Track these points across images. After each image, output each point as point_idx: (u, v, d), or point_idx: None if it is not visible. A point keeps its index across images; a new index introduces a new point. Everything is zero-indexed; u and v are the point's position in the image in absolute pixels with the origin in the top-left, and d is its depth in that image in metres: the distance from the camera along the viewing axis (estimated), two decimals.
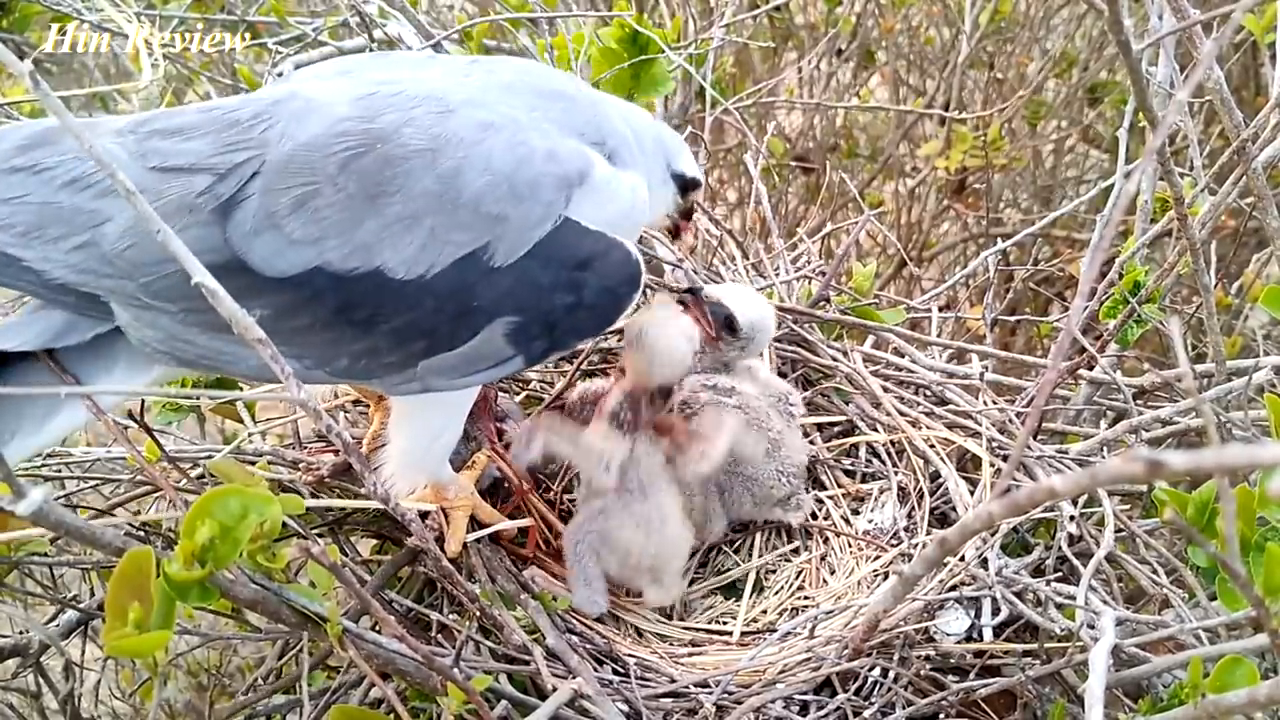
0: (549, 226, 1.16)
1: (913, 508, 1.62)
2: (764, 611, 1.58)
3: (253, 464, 1.47)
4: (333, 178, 1.09)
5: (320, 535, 1.46)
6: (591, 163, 1.22)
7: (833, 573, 1.61)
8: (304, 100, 1.15)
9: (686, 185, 1.45)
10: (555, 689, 1.20)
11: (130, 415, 1.42)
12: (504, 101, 1.21)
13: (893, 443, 1.71)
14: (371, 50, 2.20)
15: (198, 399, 1.56)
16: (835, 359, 1.79)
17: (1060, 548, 1.37)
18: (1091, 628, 1.21)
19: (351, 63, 1.30)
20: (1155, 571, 1.37)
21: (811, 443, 1.73)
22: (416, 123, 1.14)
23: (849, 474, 1.74)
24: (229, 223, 1.08)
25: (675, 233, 1.54)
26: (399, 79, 1.20)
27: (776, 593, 1.61)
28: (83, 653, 1.72)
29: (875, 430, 1.73)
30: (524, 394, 1.83)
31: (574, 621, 1.44)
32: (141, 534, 1.40)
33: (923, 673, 1.32)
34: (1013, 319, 2.36)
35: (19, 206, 1.08)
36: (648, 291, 1.86)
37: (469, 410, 1.36)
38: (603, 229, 1.21)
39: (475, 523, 1.43)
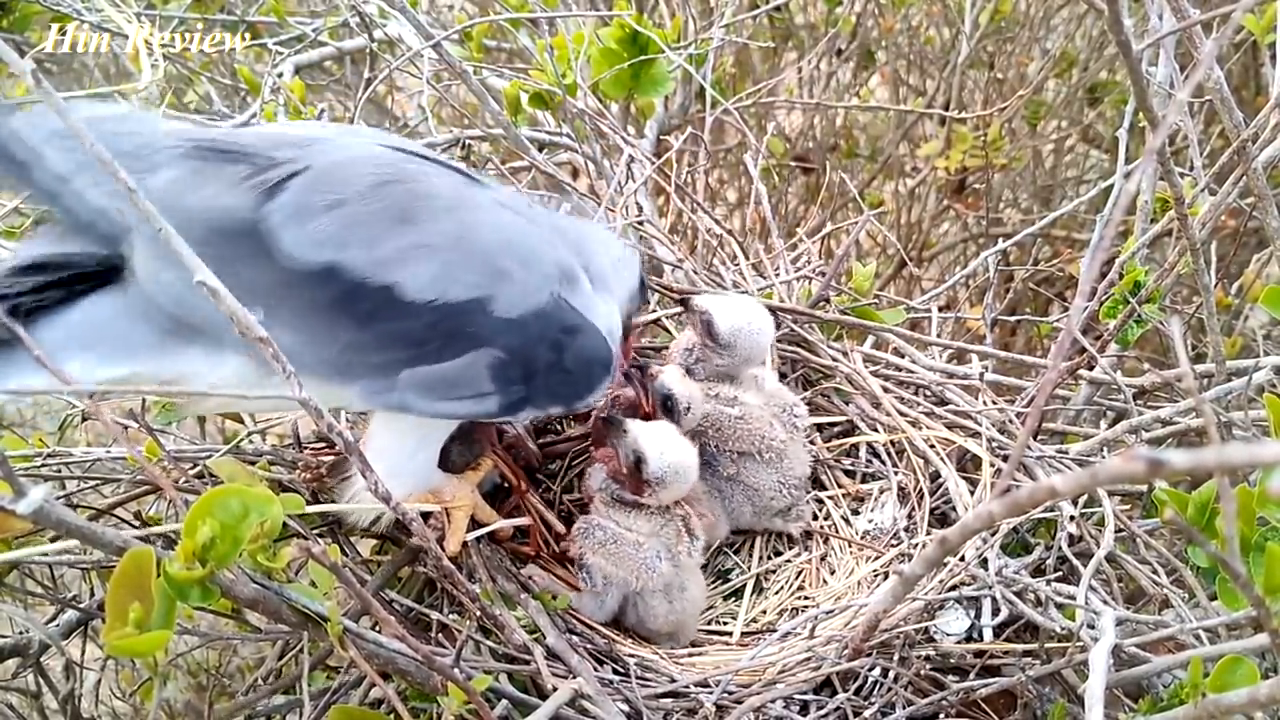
0: (545, 296, 1.24)
1: (913, 508, 1.62)
2: (764, 611, 1.58)
3: (253, 464, 1.47)
4: (364, 194, 1.17)
5: (320, 535, 1.46)
6: (580, 276, 1.32)
7: (833, 573, 1.61)
8: (345, 140, 1.27)
9: (643, 288, 1.53)
10: (555, 689, 1.20)
11: (131, 414, 1.42)
12: (511, 200, 1.33)
13: (893, 443, 1.71)
14: (371, 50, 2.20)
15: None
16: (835, 359, 1.79)
17: (1060, 548, 1.37)
18: (1091, 628, 1.21)
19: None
20: (1155, 571, 1.37)
21: (811, 443, 1.73)
22: (444, 179, 1.26)
23: (849, 474, 1.74)
24: (264, 207, 1.15)
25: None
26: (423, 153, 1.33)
27: (776, 593, 1.61)
28: (83, 653, 1.72)
29: (875, 430, 1.73)
30: None
31: (574, 621, 1.44)
32: (143, 536, 1.40)
33: (923, 673, 1.32)
34: (1013, 319, 2.36)
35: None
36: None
37: (446, 435, 1.38)
38: None
39: (474, 523, 1.43)
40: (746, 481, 1.62)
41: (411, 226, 1.18)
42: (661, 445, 1.46)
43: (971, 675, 1.31)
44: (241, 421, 1.57)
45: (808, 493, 1.69)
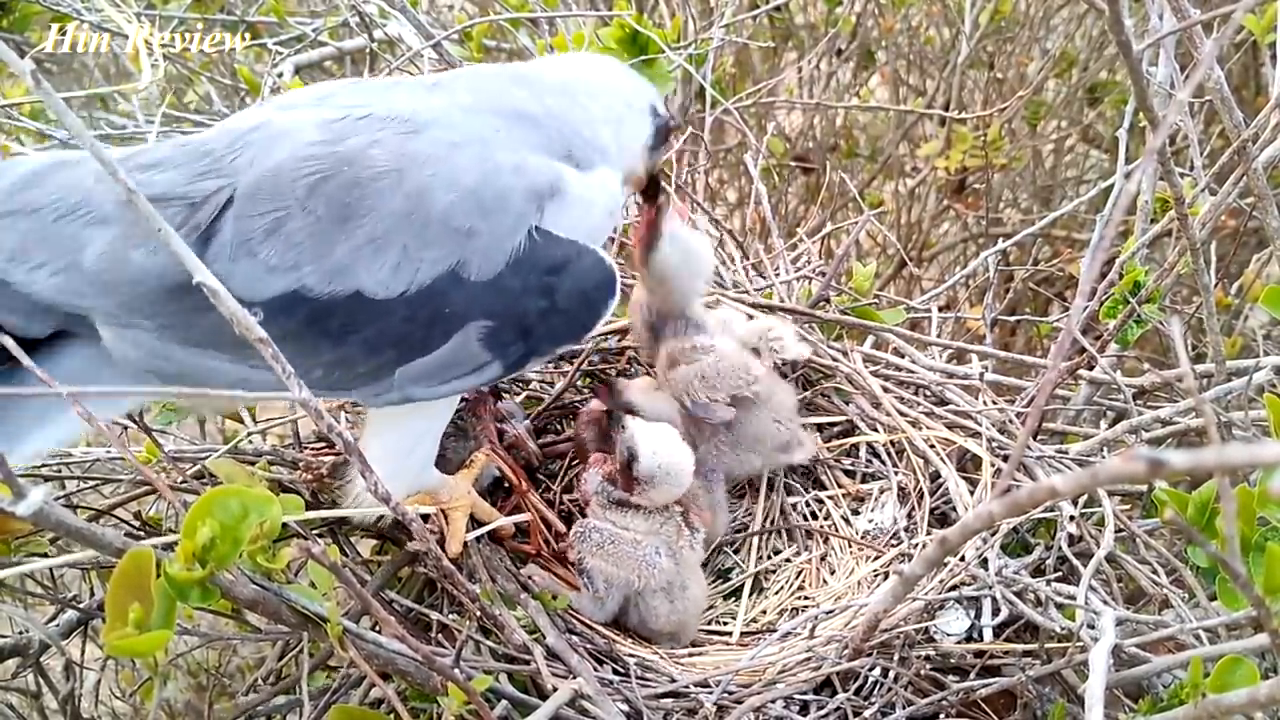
0: (521, 237, 1.18)
1: (913, 508, 1.62)
2: (764, 611, 1.58)
3: (252, 464, 1.47)
4: (302, 201, 1.11)
5: (320, 535, 1.46)
6: (562, 176, 1.24)
7: (833, 573, 1.61)
8: (274, 129, 1.17)
9: (664, 130, 1.43)
10: (555, 689, 1.20)
11: (130, 416, 1.42)
12: (467, 122, 1.23)
13: (893, 443, 1.71)
14: (371, 50, 2.20)
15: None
16: (835, 359, 1.79)
17: (1060, 548, 1.37)
18: (1091, 628, 1.21)
19: (328, 88, 1.32)
20: (1155, 571, 1.37)
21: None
22: (383, 144, 1.16)
23: (849, 474, 1.74)
24: (206, 252, 1.10)
25: (650, 194, 1.51)
26: (368, 103, 1.21)
27: (776, 593, 1.61)
28: (83, 653, 1.72)
29: (875, 430, 1.73)
30: (524, 394, 1.83)
31: (574, 621, 1.44)
32: (142, 534, 1.40)
33: (923, 673, 1.32)
34: (1013, 319, 2.36)
35: (6, 234, 1.11)
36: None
37: (446, 423, 1.37)
38: (582, 239, 1.23)
39: (474, 522, 1.43)
40: (746, 430, 1.63)
41: (358, 221, 1.12)
42: (655, 444, 1.46)
43: (971, 675, 1.31)
44: (241, 421, 1.57)
45: (804, 429, 1.72)
